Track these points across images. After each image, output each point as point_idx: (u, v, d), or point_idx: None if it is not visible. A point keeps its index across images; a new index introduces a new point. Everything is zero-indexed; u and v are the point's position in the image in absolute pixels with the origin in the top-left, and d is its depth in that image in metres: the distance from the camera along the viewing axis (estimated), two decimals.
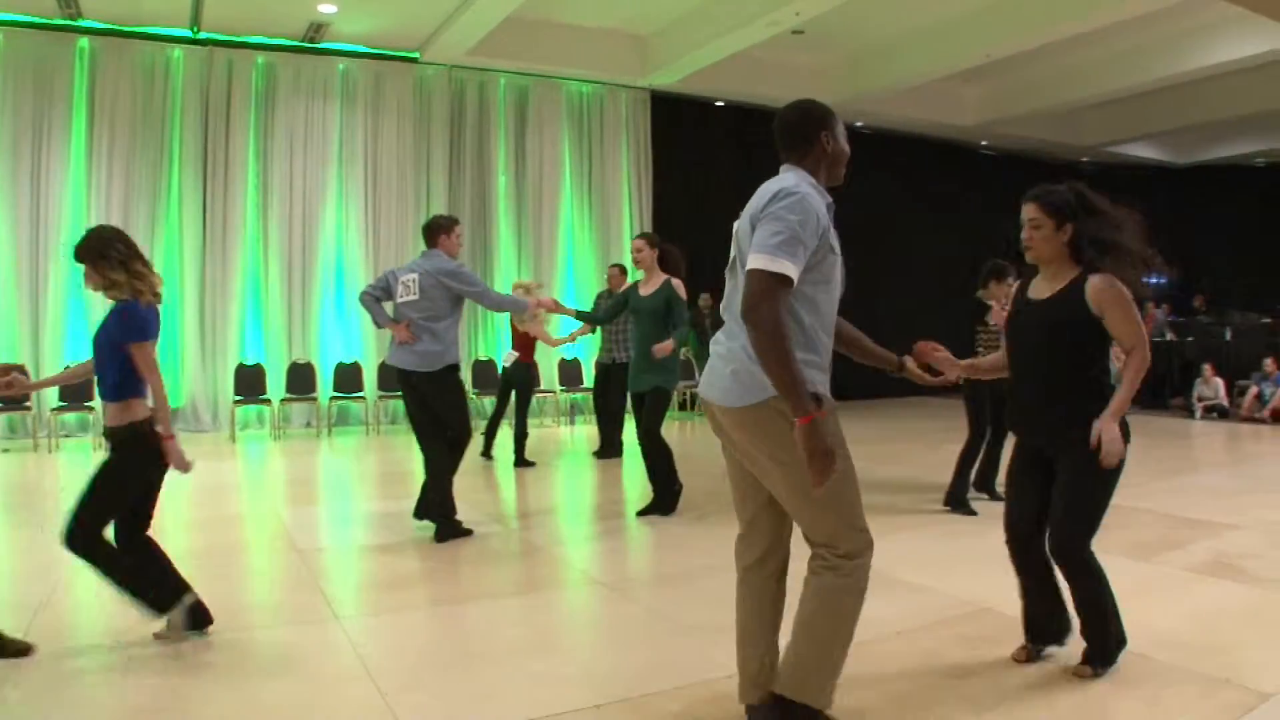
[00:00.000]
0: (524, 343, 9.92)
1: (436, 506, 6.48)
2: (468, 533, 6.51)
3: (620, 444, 10.42)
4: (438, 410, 6.55)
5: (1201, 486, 8.48)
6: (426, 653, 4.22)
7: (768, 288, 2.86)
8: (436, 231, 6.65)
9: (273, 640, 4.37)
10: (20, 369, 4.49)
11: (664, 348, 7.06)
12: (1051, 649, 4.00)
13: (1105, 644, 3.81)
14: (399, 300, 6.57)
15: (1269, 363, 14.04)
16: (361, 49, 13.55)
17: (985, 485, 7.64)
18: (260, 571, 5.85)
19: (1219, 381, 14.43)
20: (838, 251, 3.11)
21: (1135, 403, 3.76)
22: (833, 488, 2.99)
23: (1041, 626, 3.98)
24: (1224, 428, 13.43)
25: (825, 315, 3.12)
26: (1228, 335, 16.23)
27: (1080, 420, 3.64)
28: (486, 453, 10.15)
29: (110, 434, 4.21)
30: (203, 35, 12.61)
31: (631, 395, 7.31)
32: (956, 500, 7.24)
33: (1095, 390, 3.70)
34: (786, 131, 3.25)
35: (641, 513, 7.23)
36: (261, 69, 13.12)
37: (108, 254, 4.19)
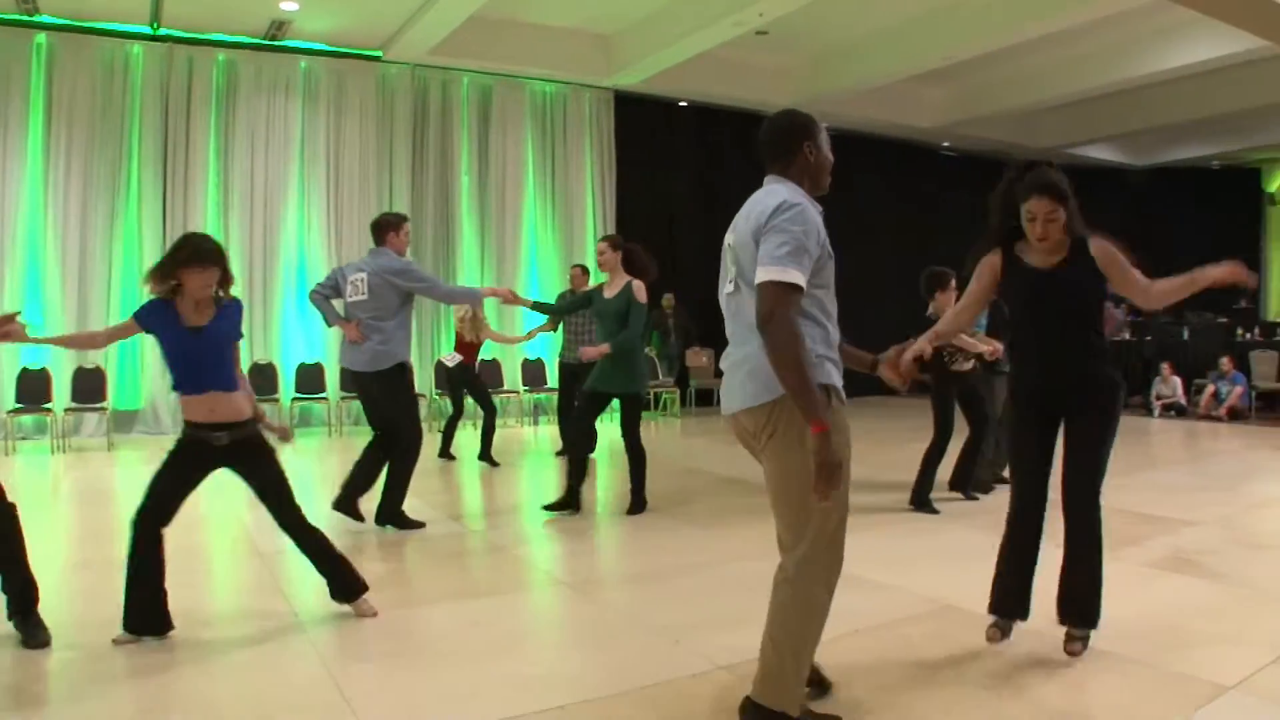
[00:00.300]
0: (466, 346, 9.95)
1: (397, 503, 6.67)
2: (420, 525, 6.67)
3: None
4: (386, 410, 6.58)
5: (1160, 483, 8.59)
6: (390, 655, 4.20)
7: (780, 297, 2.94)
8: (385, 229, 6.65)
9: (235, 644, 4.33)
10: (14, 317, 4.44)
11: (589, 351, 7.16)
12: (1019, 625, 4.14)
13: (1096, 601, 3.98)
14: (348, 299, 6.59)
15: (1225, 361, 14.26)
16: (324, 47, 13.46)
17: (961, 486, 7.69)
18: (222, 575, 5.81)
19: (1177, 380, 14.63)
20: (833, 255, 3.20)
21: None
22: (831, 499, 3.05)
23: (1014, 600, 4.09)
24: (1182, 425, 13.62)
25: (832, 315, 3.24)
26: (1185, 335, 16.45)
27: (1102, 378, 3.94)
28: (445, 452, 10.13)
29: (250, 423, 4.46)
30: (162, 32, 12.47)
31: (590, 393, 7.26)
32: (920, 500, 7.28)
33: (1106, 349, 4.02)
34: (771, 142, 3.28)
35: (554, 509, 7.24)
36: (222, 66, 12.99)
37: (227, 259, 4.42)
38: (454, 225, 14.44)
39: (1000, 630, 4.09)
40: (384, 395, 6.52)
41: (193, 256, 4.26)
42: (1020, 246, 4.03)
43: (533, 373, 14.38)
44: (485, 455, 9.81)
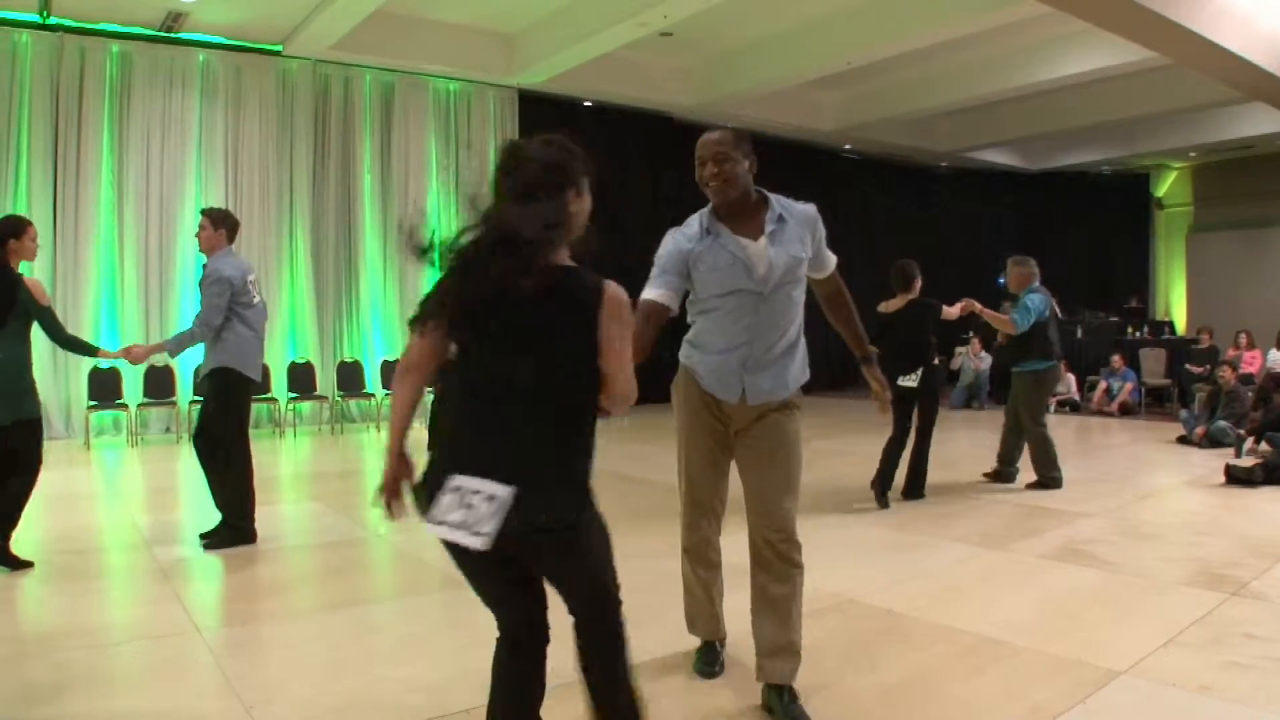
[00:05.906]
0: None
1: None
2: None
3: None
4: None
5: None
6: (290, 663, 4.13)
7: None
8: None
9: (133, 654, 4.24)
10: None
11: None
12: (916, 614, 4.46)
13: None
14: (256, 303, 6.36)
15: (1116, 359, 14.73)
16: (222, 40, 13.15)
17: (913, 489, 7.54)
18: (118, 584, 5.63)
19: (1071, 377, 15.04)
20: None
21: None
22: None
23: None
24: (1076, 421, 14.01)
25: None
26: (1079, 334, 16.92)
27: None
28: None
29: None
30: (53, 21, 12.01)
31: None
32: (880, 490, 7.21)
33: None
34: None
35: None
36: (116, 58, 12.57)
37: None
38: (356, 223, 14.20)
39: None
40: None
41: None
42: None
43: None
44: None
